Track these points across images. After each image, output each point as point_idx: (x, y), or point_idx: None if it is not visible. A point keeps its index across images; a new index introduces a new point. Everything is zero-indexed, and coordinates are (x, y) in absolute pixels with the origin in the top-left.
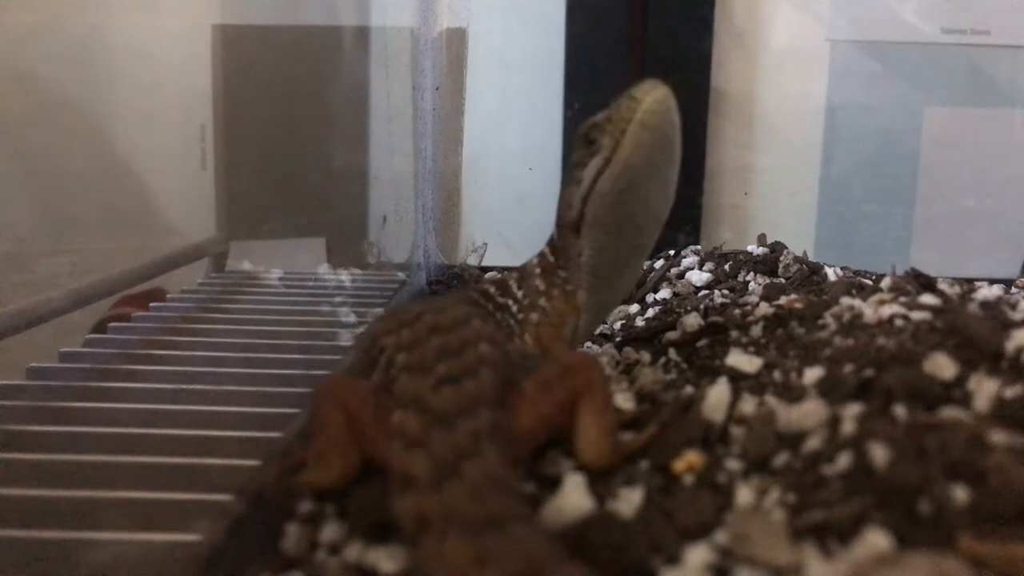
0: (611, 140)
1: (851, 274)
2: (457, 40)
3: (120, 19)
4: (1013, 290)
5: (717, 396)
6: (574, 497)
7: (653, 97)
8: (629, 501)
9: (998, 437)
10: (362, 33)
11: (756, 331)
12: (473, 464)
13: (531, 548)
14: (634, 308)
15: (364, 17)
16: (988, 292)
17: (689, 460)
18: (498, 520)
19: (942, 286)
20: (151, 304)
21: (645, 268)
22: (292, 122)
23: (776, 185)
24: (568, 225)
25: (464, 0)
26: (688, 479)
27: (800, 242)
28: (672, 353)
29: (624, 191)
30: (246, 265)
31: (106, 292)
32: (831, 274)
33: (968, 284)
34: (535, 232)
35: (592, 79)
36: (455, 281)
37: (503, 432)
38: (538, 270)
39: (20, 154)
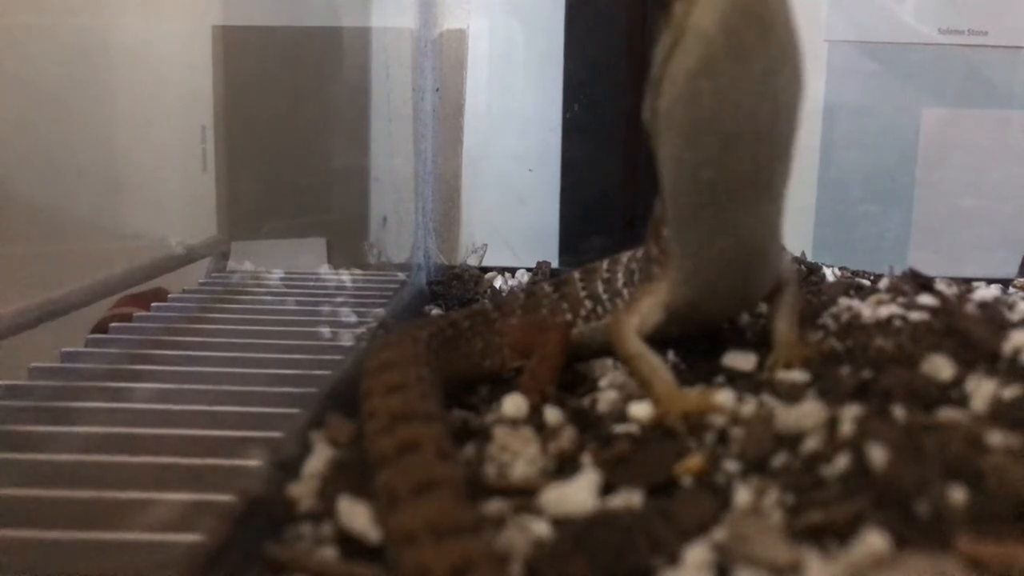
0: (685, 5)
1: (849, 274)
2: (457, 41)
3: (120, 20)
4: (1011, 290)
5: (724, 401)
6: (582, 493)
7: None
8: (629, 502)
9: (996, 438)
10: (362, 35)
11: (753, 331)
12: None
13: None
14: None
15: (364, 19)
16: (986, 292)
17: (687, 463)
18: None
19: (940, 287)
20: (152, 304)
21: None
22: (293, 123)
23: None
24: (648, 135)
25: (464, 2)
26: (687, 480)
27: (798, 242)
28: (670, 353)
29: (698, 75)
30: (247, 265)
31: (107, 292)
32: (829, 274)
33: (966, 284)
34: (535, 233)
35: (591, 80)
36: (455, 282)
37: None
38: (639, 253)
39: (21, 155)
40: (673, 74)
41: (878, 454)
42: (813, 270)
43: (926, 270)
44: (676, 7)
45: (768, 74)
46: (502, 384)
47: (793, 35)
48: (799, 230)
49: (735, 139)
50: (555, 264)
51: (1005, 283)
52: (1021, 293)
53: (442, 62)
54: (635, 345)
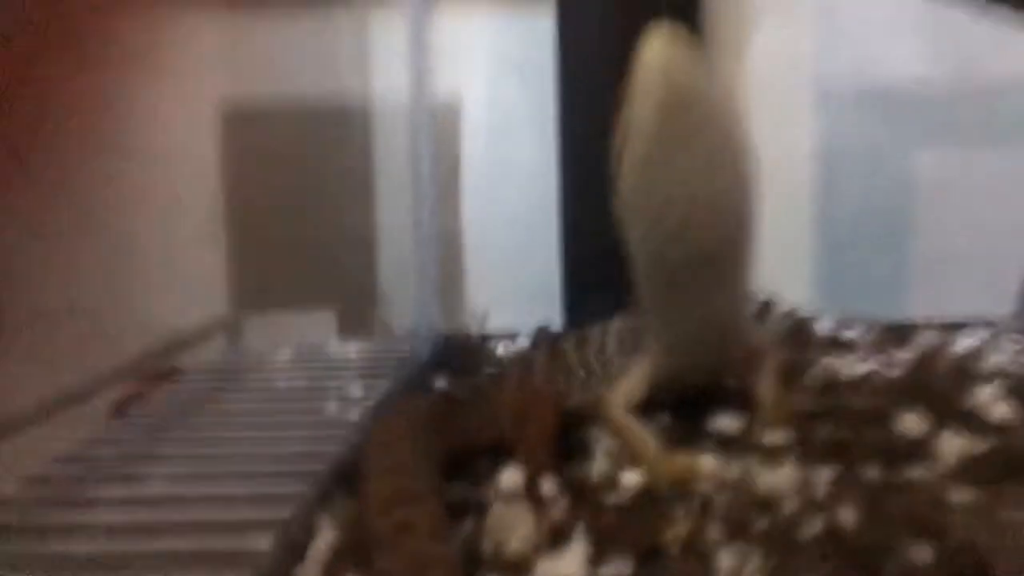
0: (628, 105)
1: (836, 322)
2: (452, 108)
3: (128, 91)
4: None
5: (709, 466)
6: (573, 564)
7: (649, 53)
8: (619, 571)
9: (961, 494)
10: (363, 108)
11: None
12: None
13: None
14: None
15: (364, 91)
16: (969, 341)
17: (674, 530)
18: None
19: (921, 337)
20: (165, 383)
21: None
22: (298, 198)
23: (769, 230)
24: (617, 223)
25: (457, 68)
26: (675, 547)
27: (795, 286)
28: (663, 417)
29: (646, 166)
30: (257, 341)
31: (122, 376)
32: (821, 323)
33: (948, 332)
34: (538, 294)
35: (585, 137)
36: (459, 351)
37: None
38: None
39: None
40: (627, 166)
41: (849, 516)
42: (801, 326)
43: (923, 310)
44: (624, 107)
45: (711, 162)
46: (500, 455)
47: (728, 120)
48: (795, 273)
49: (690, 223)
50: (560, 325)
51: (994, 325)
52: (1013, 337)
53: (438, 128)
54: (621, 419)
